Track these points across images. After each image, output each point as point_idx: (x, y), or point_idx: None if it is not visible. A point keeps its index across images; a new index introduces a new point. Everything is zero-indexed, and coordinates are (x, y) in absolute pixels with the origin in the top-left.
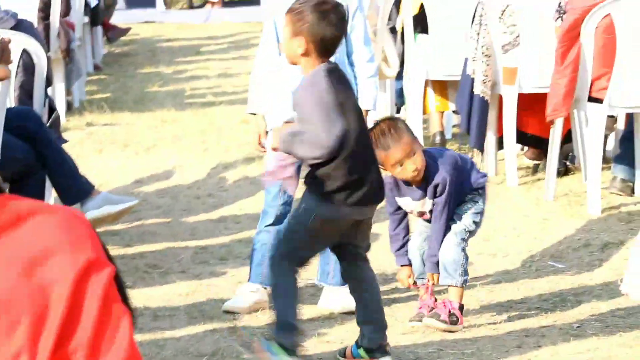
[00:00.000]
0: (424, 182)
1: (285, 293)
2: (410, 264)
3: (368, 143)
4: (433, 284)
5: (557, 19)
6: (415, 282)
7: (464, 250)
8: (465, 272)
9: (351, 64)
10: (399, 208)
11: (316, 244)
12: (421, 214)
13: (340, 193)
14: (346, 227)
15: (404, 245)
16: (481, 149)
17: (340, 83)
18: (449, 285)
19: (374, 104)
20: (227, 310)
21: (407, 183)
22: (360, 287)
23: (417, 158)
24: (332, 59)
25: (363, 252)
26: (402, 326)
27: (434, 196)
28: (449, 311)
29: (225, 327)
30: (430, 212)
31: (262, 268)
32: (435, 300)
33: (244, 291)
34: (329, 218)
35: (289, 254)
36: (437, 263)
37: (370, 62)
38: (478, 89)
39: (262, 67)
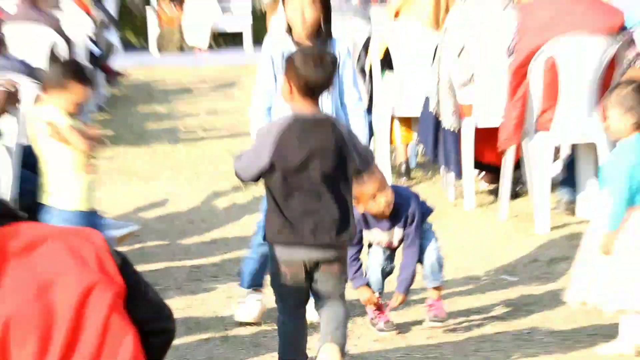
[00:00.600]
0: (392, 214)
1: (284, 335)
2: (367, 283)
3: (319, 182)
4: (400, 303)
5: (508, 57)
6: (379, 296)
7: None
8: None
9: (342, 105)
10: (360, 240)
11: (289, 288)
12: (389, 244)
13: (280, 234)
14: (301, 269)
15: (359, 268)
16: (461, 176)
17: (303, 130)
18: (434, 287)
19: (365, 139)
20: (240, 321)
21: (374, 216)
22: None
23: (388, 192)
24: (326, 99)
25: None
26: (372, 334)
27: (405, 226)
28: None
29: (218, 336)
30: (400, 240)
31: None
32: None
33: (250, 301)
34: (283, 260)
35: (281, 300)
36: (409, 284)
37: (359, 101)
38: (448, 124)
39: (256, 103)
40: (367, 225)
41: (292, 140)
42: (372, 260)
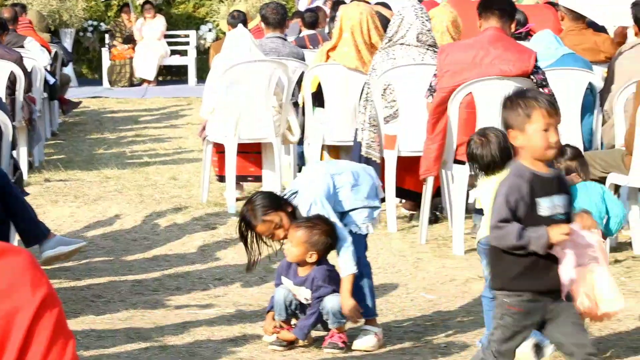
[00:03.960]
0: (310, 273)
1: None
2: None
3: None
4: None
5: (429, 96)
6: (279, 326)
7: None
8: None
9: None
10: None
11: None
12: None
13: None
14: None
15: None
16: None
17: None
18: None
19: (352, 266)
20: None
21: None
22: None
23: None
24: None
25: None
26: (299, 347)
27: (312, 290)
28: (344, 341)
29: (157, 346)
30: (305, 299)
31: None
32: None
33: None
34: None
35: None
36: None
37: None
38: (363, 151)
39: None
40: (286, 272)
41: None
42: (277, 297)
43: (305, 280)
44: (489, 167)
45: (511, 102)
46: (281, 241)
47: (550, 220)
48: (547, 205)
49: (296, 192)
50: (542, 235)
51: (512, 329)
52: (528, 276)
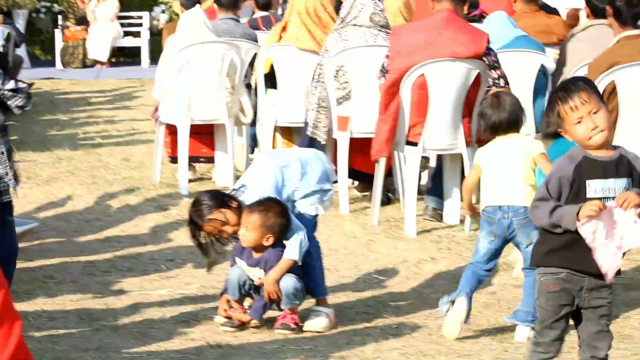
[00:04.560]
0: (264, 254)
1: None
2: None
3: None
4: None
5: (381, 77)
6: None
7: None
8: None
9: None
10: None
11: None
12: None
13: None
14: None
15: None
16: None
17: None
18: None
19: (296, 254)
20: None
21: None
22: None
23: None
24: None
25: None
26: (251, 328)
27: (265, 271)
28: (295, 322)
29: (109, 326)
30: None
31: None
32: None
33: None
34: None
35: None
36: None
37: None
38: (309, 131)
39: None
40: (241, 254)
41: None
42: (231, 276)
43: (259, 261)
44: (492, 128)
45: (548, 104)
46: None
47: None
48: (597, 188)
49: (244, 187)
50: (572, 211)
51: (548, 311)
52: (564, 253)
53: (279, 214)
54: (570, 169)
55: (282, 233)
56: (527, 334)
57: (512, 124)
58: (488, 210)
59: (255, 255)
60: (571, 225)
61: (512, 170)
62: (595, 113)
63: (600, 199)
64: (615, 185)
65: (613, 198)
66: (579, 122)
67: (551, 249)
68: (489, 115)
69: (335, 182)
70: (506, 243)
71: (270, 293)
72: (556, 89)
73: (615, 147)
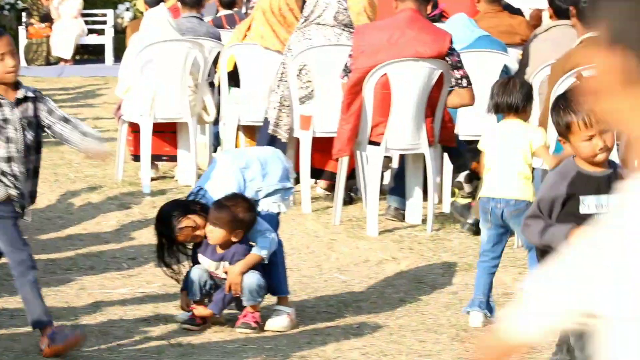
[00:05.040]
0: (231, 248)
1: None
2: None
3: None
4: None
5: (344, 77)
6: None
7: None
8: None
9: None
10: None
11: None
12: (214, 274)
13: None
14: None
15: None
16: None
17: None
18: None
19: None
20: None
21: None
22: None
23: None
24: None
25: None
26: (212, 327)
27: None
28: (256, 321)
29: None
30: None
31: None
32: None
33: None
34: None
35: None
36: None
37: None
38: (270, 129)
39: None
40: (204, 249)
41: None
42: (192, 276)
43: (224, 256)
44: (494, 107)
45: (554, 107)
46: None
47: (591, 218)
48: (590, 204)
49: (203, 190)
50: (563, 233)
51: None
52: None
53: (247, 210)
54: (564, 188)
55: (249, 228)
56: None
57: (513, 107)
58: (482, 199)
59: (220, 251)
60: (562, 246)
61: (510, 161)
62: (605, 132)
63: (592, 215)
64: (609, 201)
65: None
66: (589, 140)
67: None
68: (494, 93)
69: (296, 179)
70: (506, 229)
71: (233, 284)
72: (567, 96)
73: (609, 163)
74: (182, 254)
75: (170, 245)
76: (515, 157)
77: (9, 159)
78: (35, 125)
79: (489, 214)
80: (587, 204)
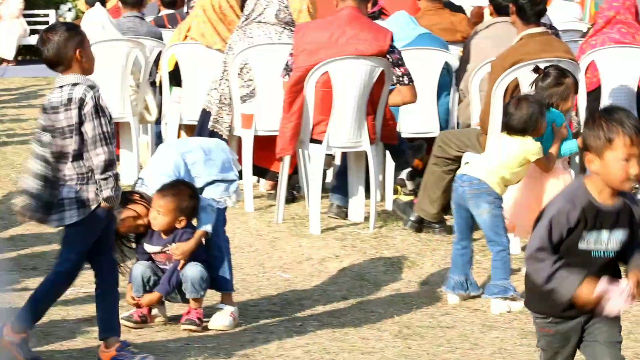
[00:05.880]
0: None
1: None
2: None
3: None
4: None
5: (285, 75)
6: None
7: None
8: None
9: None
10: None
11: None
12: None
13: None
14: None
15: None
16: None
17: None
18: (194, 298)
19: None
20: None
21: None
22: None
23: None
24: None
25: None
26: (155, 326)
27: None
28: (199, 318)
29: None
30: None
31: None
32: (149, 311)
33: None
34: None
35: None
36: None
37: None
38: (210, 125)
39: None
40: (150, 239)
41: None
42: (135, 271)
43: (168, 241)
44: (505, 126)
45: (594, 120)
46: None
47: (587, 255)
48: (590, 240)
49: (141, 179)
50: (569, 291)
51: (551, 350)
52: (547, 302)
53: (191, 197)
54: (575, 216)
55: (193, 215)
56: (501, 306)
57: (519, 131)
58: (455, 179)
59: (165, 237)
60: (568, 299)
61: (498, 157)
62: (638, 158)
63: (586, 250)
64: (609, 237)
65: (603, 251)
66: (626, 160)
67: (536, 296)
68: (506, 112)
69: (240, 173)
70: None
71: (180, 256)
72: (618, 109)
73: (619, 194)
74: (125, 247)
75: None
76: (505, 157)
77: None
78: None
79: (455, 193)
80: (588, 239)
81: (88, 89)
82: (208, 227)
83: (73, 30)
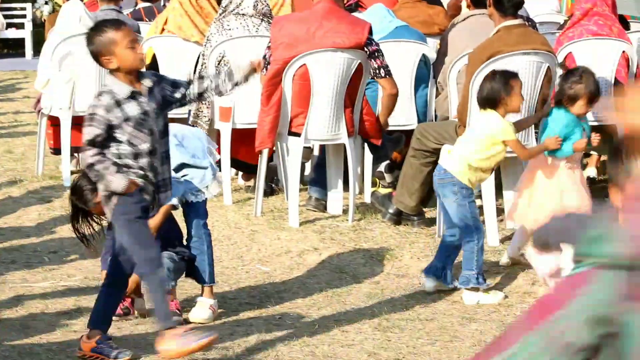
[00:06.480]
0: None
1: None
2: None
3: None
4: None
5: (262, 68)
6: None
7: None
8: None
9: None
10: None
11: None
12: None
13: None
14: None
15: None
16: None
17: None
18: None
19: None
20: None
21: None
22: None
23: None
24: None
25: None
26: (135, 319)
27: None
28: (177, 308)
29: None
30: None
31: None
32: (132, 303)
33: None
34: None
35: None
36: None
37: None
38: (190, 120)
39: None
40: None
41: None
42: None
43: None
44: (477, 100)
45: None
46: None
47: None
48: None
49: None
50: None
51: None
52: None
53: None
54: None
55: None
56: (470, 298)
57: (485, 102)
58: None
59: None
60: None
61: (465, 142)
62: None
63: None
64: None
65: None
66: None
67: None
68: (480, 87)
69: (218, 163)
70: None
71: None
72: None
73: None
74: (95, 224)
75: (84, 216)
76: (473, 141)
77: (151, 152)
78: (164, 108)
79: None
80: None
81: None
82: (174, 201)
83: None
